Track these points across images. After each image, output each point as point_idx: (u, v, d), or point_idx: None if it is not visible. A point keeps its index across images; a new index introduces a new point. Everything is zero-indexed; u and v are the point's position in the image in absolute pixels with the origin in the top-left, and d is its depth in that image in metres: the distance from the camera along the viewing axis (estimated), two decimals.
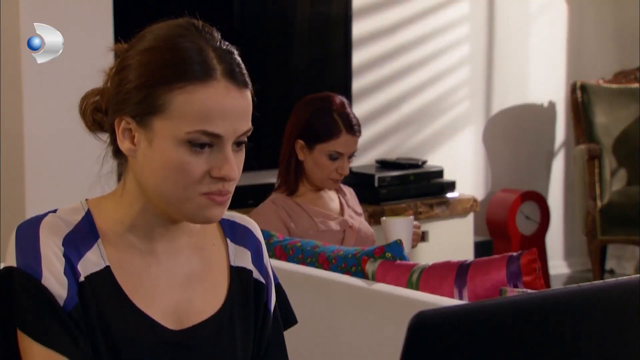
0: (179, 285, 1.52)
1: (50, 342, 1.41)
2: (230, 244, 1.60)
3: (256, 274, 1.60)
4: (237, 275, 1.58)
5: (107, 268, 1.47)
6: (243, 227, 1.62)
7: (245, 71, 1.47)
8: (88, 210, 1.50)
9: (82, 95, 1.55)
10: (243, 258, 1.60)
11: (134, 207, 1.49)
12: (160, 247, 1.52)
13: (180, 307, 1.51)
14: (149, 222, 1.50)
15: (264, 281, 1.61)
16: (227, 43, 1.48)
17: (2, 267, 1.46)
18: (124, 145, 1.46)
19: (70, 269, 1.44)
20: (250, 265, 1.60)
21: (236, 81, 1.44)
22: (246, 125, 1.45)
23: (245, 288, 1.58)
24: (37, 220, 1.47)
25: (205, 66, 1.42)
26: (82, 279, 1.45)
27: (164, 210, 1.48)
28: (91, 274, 1.46)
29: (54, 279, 1.42)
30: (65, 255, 1.44)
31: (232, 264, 1.58)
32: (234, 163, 1.44)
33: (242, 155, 1.47)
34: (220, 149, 1.43)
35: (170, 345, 1.48)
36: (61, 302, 1.42)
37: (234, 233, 1.61)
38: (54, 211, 1.49)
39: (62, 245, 1.45)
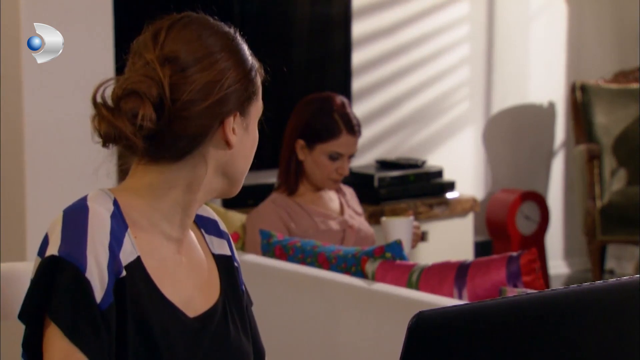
0: (191, 274, 1.55)
1: (76, 338, 1.39)
2: (205, 235, 1.63)
3: (234, 260, 1.65)
4: (221, 262, 1.62)
5: (139, 258, 1.47)
6: (211, 220, 1.66)
7: None
8: (115, 198, 1.49)
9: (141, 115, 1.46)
10: (221, 246, 1.64)
11: (161, 197, 1.50)
12: (174, 238, 1.53)
13: (194, 295, 1.54)
14: (171, 213, 1.51)
15: (237, 265, 1.66)
16: None
17: (46, 254, 1.42)
18: (233, 139, 1.51)
19: (113, 262, 1.42)
20: (228, 252, 1.64)
21: None
22: None
23: (229, 273, 1.62)
24: (85, 208, 1.44)
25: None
26: (123, 273, 1.44)
27: (227, 191, 1.56)
28: (128, 263, 1.45)
29: (97, 273, 1.40)
30: (110, 246, 1.42)
31: (214, 252, 1.62)
32: None
33: None
34: None
35: (193, 332, 1.50)
36: (98, 299, 1.40)
37: (205, 225, 1.64)
38: (85, 198, 1.46)
39: (110, 234, 1.43)
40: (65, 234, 1.42)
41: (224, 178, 1.54)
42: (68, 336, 1.39)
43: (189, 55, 1.47)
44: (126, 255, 1.45)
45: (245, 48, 1.54)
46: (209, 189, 1.54)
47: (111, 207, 1.47)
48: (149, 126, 1.44)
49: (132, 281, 1.45)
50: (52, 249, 1.41)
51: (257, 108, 1.56)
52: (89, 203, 1.45)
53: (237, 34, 1.55)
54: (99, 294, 1.40)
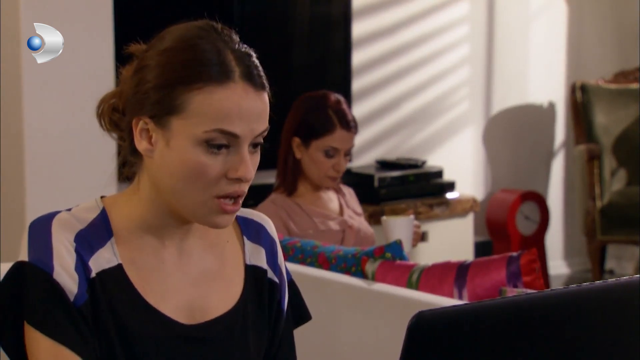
0: (192, 282, 1.53)
1: (58, 336, 1.41)
2: (247, 242, 1.61)
3: (270, 274, 1.61)
4: (252, 274, 1.59)
5: (119, 265, 1.48)
6: (258, 224, 1.63)
7: (262, 74, 1.49)
8: (103, 208, 1.51)
9: (100, 98, 1.56)
10: (258, 257, 1.60)
11: (147, 206, 1.50)
12: (173, 245, 1.53)
13: (193, 304, 1.52)
14: (161, 221, 1.51)
15: (277, 281, 1.62)
16: (245, 45, 1.49)
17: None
18: (142, 145, 1.47)
19: (82, 265, 1.45)
20: (264, 265, 1.61)
21: (254, 84, 1.46)
22: (263, 125, 1.47)
23: (259, 287, 1.59)
24: (49, 217, 1.48)
25: (224, 68, 1.43)
26: (93, 274, 1.45)
27: (177, 211, 1.48)
28: (103, 270, 1.47)
29: (66, 274, 1.43)
30: (76, 250, 1.45)
31: (248, 262, 1.59)
32: (250, 164, 1.45)
33: (257, 157, 1.48)
34: (237, 150, 1.44)
35: (182, 338, 1.49)
36: (72, 297, 1.43)
37: (249, 230, 1.62)
38: (69, 210, 1.50)
39: (74, 241, 1.46)
40: (31, 243, 1.45)
41: (161, 192, 1.48)
42: (48, 335, 1.41)
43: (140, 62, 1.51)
44: (101, 262, 1.47)
45: (190, 58, 1.43)
46: (160, 205, 1.50)
47: (91, 217, 1.49)
48: (115, 118, 1.55)
49: (107, 286, 1.46)
50: (22, 257, 1.45)
51: (186, 127, 1.42)
52: (58, 214, 1.48)
53: (201, 41, 1.44)
54: (71, 293, 1.43)
